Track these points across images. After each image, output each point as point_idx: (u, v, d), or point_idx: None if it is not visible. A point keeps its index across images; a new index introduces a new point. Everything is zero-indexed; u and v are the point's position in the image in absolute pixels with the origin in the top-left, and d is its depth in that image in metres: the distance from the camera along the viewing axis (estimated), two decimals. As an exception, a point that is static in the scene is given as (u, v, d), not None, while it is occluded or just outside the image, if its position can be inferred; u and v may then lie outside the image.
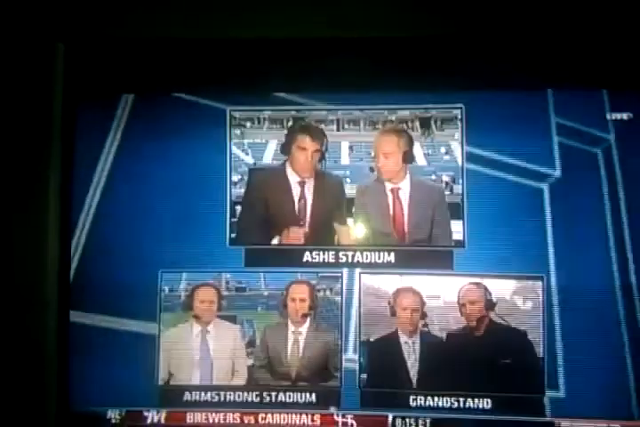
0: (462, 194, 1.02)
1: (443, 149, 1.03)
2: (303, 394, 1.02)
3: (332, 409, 1.01)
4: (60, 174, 1.03)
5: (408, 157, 1.04)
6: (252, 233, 1.04)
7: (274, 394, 1.02)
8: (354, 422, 1.01)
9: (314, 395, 1.02)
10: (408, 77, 1.02)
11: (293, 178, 1.06)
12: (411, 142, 1.03)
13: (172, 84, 1.04)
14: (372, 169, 1.05)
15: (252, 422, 1.02)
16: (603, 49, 1.00)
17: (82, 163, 1.05)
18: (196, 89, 1.04)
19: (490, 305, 1.01)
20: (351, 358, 1.02)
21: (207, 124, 1.05)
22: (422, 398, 1.00)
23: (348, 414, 1.01)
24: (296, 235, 1.04)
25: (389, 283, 1.03)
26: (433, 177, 1.03)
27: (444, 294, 1.02)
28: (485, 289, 1.01)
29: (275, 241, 1.04)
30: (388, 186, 1.05)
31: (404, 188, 1.05)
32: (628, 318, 0.98)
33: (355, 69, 1.01)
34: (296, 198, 1.06)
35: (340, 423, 1.01)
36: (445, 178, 1.03)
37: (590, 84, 1.01)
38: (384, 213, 1.05)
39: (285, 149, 1.05)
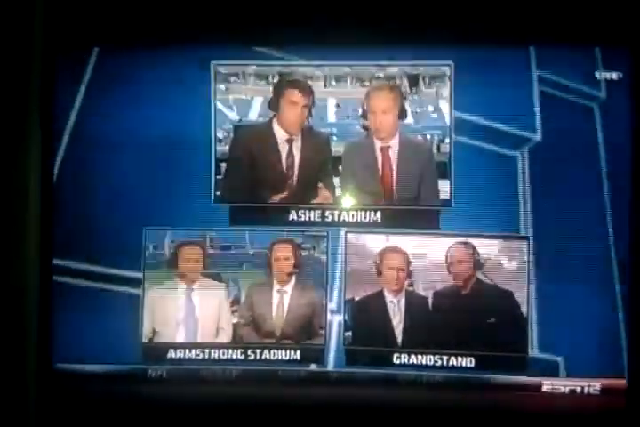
0: (449, 153, 1.01)
1: (431, 107, 1.02)
2: (288, 352, 1.02)
3: (315, 366, 1.02)
4: (40, 130, 1.02)
5: (403, 114, 1.02)
6: (238, 191, 1.03)
7: (258, 352, 1.02)
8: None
9: (298, 353, 1.02)
10: (397, 32, 1.00)
11: (281, 135, 1.04)
12: (403, 98, 1.02)
13: (157, 36, 1.02)
14: (364, 127, 1.03)
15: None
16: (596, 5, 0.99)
17: (62, 120, 1.03)
18: (181, 42, 1.01)
19: (478, 265, 1.01)
20: (336, 316, 1.02)
21: (192, 80, 1.02)
22: (406, 356, 1.01)
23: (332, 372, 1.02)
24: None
25: (375, 242, 1.02)
26: (428, 136, 1.01)
27: (430, 254, 1.01)
28: (474, 249, 1.01)
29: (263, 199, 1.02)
30: (378, 144, 1.03)
31: (394, 146, 1.03)
32: (612, 278, 0.98)
33: (343, 25, 0.99)
34: (284, 156, 1.04)
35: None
36: (433, 137, 1.01)
37: (583, 41, 0.99)
38: (372, 171, 1.03)
39: (274, 104, 1.03)
